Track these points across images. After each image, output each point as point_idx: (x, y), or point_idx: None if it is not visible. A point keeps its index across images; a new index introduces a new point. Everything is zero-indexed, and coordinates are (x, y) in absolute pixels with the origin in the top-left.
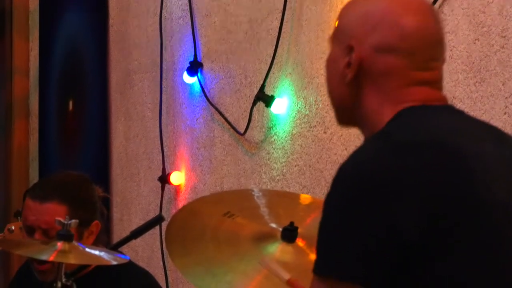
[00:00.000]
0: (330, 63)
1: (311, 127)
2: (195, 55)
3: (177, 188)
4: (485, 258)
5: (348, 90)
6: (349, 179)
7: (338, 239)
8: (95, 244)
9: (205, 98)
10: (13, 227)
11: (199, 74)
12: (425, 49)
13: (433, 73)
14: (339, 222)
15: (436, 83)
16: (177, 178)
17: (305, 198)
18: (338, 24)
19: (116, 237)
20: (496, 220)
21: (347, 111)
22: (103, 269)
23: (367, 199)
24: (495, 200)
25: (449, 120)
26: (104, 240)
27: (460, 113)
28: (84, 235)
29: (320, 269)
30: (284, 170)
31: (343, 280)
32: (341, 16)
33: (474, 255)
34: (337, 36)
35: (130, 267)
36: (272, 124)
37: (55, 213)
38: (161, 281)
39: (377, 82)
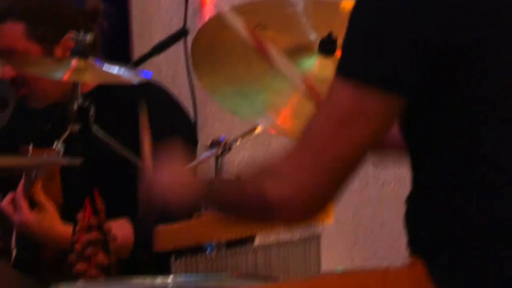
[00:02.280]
0: None
1: None
2: None
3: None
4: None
5: None
6: None
7: (370, 39)
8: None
9: None
10: None
11: None
12: None
13: None
14: (373, 22)
15: None
16: None
17: (346, 4)
18: None
19: (137, 54)
20: None
21: None
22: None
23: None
24: None
25: None
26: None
27: None
28: (55, 52)
29: (345, 69)
30: None
31: (369, 83)
32: None
33: (504, 75)
34: None
35: (151, 85)
36: None
37: (12, 33)
38: (187, 101)
39: None
